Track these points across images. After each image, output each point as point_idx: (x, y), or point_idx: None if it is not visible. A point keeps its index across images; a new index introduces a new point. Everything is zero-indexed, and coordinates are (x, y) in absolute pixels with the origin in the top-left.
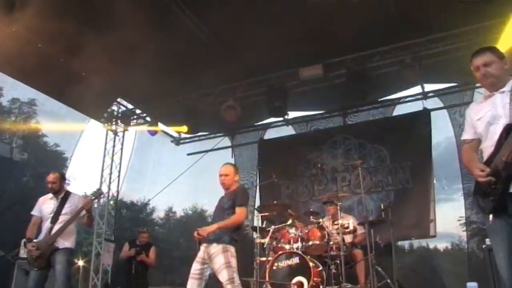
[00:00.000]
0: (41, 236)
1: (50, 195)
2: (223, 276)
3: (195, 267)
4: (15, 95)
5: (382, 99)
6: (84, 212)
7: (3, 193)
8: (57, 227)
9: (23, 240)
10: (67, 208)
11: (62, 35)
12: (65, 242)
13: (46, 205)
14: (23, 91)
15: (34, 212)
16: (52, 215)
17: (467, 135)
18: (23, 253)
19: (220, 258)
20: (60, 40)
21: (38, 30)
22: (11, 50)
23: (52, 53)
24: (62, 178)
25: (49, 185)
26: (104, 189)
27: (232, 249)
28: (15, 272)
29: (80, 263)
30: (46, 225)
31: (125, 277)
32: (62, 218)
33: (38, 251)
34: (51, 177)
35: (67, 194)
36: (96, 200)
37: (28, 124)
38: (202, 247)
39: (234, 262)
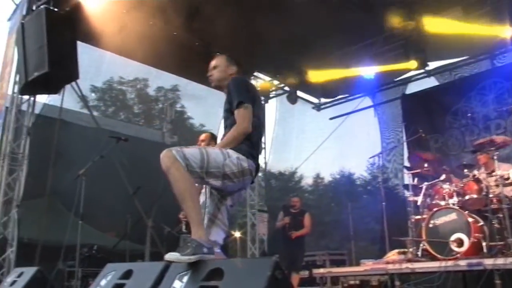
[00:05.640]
0: None
1: None
2: None
3: None
4: (160, 84)
5: None
6: None
7: (162, 174)
8: None
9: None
10: None
11: (197, 20)
12: None
13: None
14: (166, 79)
15: None
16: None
17: None
18: (184, 228)
19: None
20: (195, 24)
21: (173, 18)
22: (151, 42)
23: (188, 37)
24: (213, 138)
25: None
26: None
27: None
28: (180, 245)
29: (237, 234)
30: None
31: (282, 244)
32: None
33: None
34: (202, 137)
35: None
36: None
37: (174, 108)
38: None
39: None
